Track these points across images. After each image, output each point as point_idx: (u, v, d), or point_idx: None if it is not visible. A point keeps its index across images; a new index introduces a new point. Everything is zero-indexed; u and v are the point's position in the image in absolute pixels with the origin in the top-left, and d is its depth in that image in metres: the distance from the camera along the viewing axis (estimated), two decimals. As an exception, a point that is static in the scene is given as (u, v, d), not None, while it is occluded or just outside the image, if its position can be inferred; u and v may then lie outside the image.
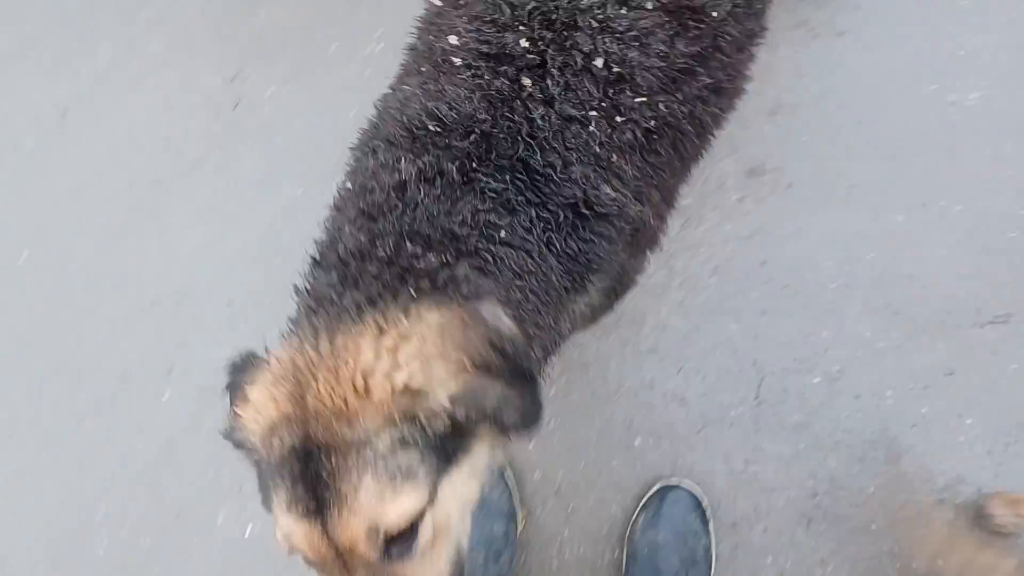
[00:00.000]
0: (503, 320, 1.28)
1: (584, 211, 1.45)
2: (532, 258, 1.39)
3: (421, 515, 1.19)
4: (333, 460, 1.14)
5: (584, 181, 1.43)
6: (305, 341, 1.23)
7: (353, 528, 1.13)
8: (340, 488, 1.13)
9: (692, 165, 1.73)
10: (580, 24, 1.43)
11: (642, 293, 2.19)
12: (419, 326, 1.20)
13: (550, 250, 1.42)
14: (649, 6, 1.46)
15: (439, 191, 1.36)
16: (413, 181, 1.37)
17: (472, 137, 1.39)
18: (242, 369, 1.28)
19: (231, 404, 1.27)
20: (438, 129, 1.41)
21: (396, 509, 1.15)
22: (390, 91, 1.57)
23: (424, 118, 1.42)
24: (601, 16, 1.43)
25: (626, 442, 2.21)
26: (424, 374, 1.17)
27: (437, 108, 1.42)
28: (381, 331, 1.20)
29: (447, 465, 1.22)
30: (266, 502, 1.22)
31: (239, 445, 1.25)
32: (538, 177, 1.40)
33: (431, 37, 1.52)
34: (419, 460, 1.17)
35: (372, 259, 1.32)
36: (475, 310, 1.25)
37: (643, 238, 1.63)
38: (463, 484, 1.26)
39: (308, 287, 1.39)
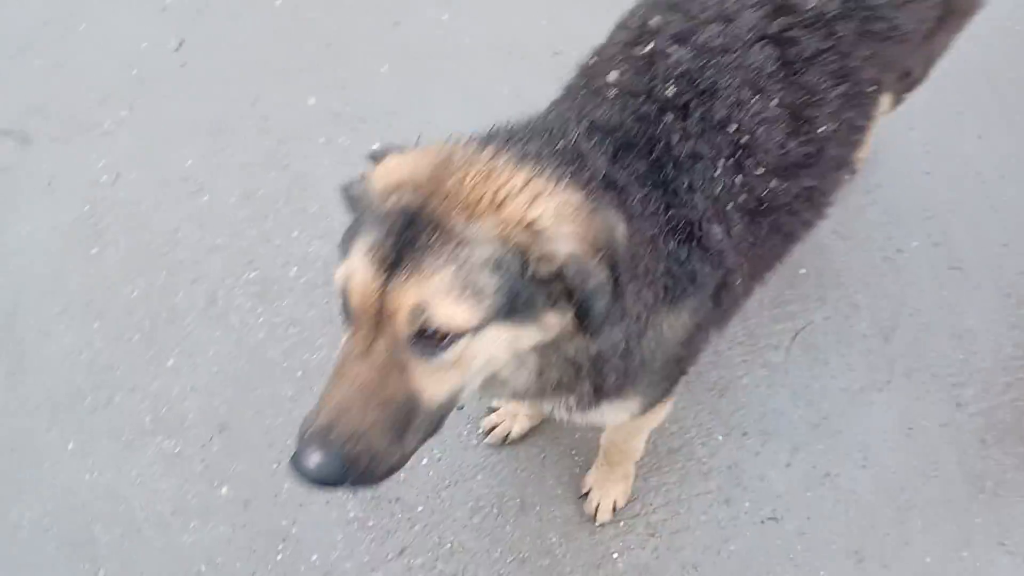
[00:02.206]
0: (621, 227, 1.41)
1: (696, 232, 1.62)
2: (651, 234, 1.55)
3: (460, 335, 1.29)
4: (433, 237, 1.27)
5: (701, 210, 1.62)
6: (471, 146, 1.41)
7: (407, 297, 1.26)
8: (422, 260, 1.26)
9: (774, 259, 1.95)
10: (719, 94, 1.68)
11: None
12: (565, 194, 1.36)
13: (663, 242, 1.57)
14: (775, 102, 1.72)
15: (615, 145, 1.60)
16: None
17: (616, 136, 1.62)
18: (385, 152, 1.47)
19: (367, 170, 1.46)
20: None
21: (448, 311, 1.26)
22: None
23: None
24: (736, 97, 1.68)
25: None
26: (554, 224, 1.31)
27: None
28: (537, 176, 1.37)
29: (506, 318, 1.32)
30: (343, 245, 1.37)
31: (350, 198, 1.46)
32: (665, 185, 1.60)
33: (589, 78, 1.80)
34: (493, 290, 1.28)
35: (553, 140, 1.53)
36: (604, 208, 1.41)
37: (725, 297, 1.77)
38: (503, 341, 1.35)
39: (495, 130, 1.59)
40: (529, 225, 1.30)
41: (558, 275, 1.32)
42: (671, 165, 1.62)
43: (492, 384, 1.54)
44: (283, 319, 2.69)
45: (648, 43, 1.76)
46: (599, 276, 1.34)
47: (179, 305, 2.73)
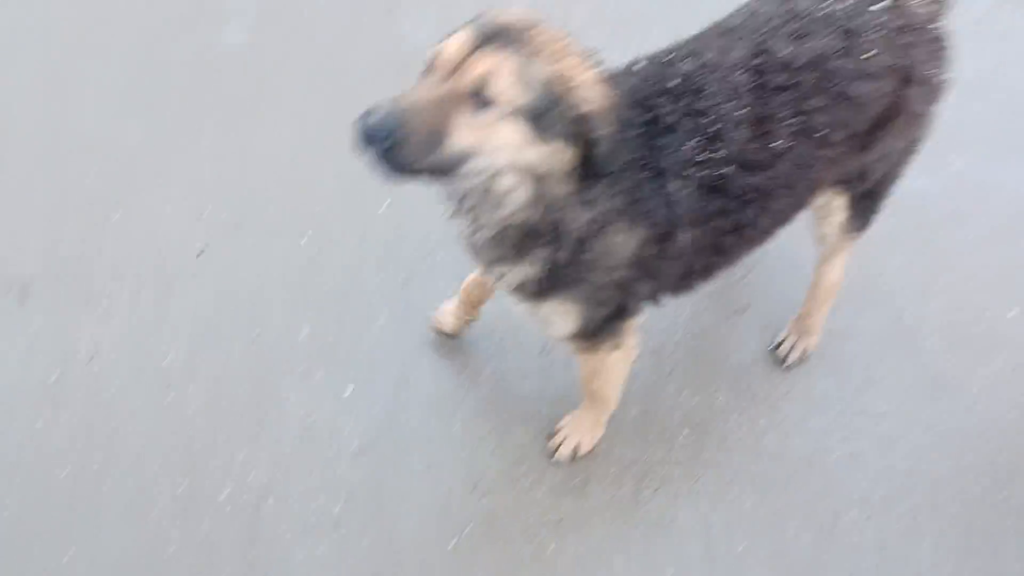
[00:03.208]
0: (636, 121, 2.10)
1: (659, 179, 2.19)
2: (633, 158, 2.14)
3: (498, 106, 1.86)
4: (514, 42, 1.88)
5: (667, 165, 2.20)
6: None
7: (484, 63, 1.86)
8: (504, 49, 1.86)
9: (722, 250, 2.47)
10: (704, 94, 2.27)
11: None
12: (602, 85, 1.98)
13: (639, 169, 2.17)
14: (743, 112, 2.27)
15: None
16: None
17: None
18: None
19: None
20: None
21: (503, 85, 1.85)
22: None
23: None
24: (716, 100, 2.26)
25: None
26: (585, 88, 1.93)
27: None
28: (586, 62, 1.97)
29: (531, 122, 1.90)
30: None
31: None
32: (649, 136, 2.19)
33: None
34: (532, 96, 1.87)
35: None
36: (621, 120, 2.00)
37: (669, 249, 2.31)
38: (519, 138, 1.92)
39: None
40: (571, 81, 1.91)
41: (577, 119, 1.92)
42: (655, 126, 2.20)
43: (488, 197, 2.07)
44: (197, 541, 2.63)
45: (671, 54, 2.36)
46: (607, 129, 1.94)
47: (102, 498, 2.68)
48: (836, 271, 3.15)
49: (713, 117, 2.26)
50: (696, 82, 2.28)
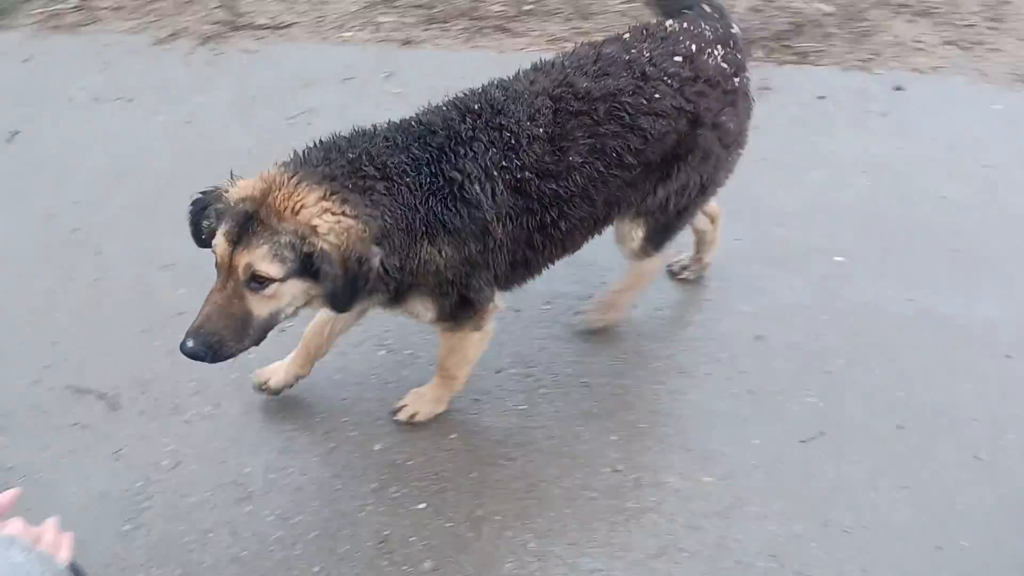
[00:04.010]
0: (375, 262, 2.42)
1: (455, 190, 2.58)
2: (413, 201, 2.54)
3: (272, 280, 2.37)
4: (259, 229, 2.33)
5: (469, 171, 2.58)
6: (286, 174, 2.44)
7: (244, 258, 2.34)
8: (252, 240, 2.33)
9: (534, 244, 2.84)
10: (505, 113, 2.70)
11: None
12: (345, 217, 2.38)
13: (424, 203, 2.55)
14: (541, 129, 2.71)
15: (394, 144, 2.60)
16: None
17: (422, 127, 2.70)
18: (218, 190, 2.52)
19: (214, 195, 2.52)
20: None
21: (264, 266, 2.34)
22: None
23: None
24: (517, 118, 2.70)
25: None
26: (326, 231, 2.35)
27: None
28: (325, 197, 2.40)
29: (300, 276, 2.39)
30: (207, 237, 2.49)
31: (212, 201, 2.50)
32: (443, 155, 2.59)
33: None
34: (291, 260, 2.34)
35: (345, 156, 2.53)
36: (371, 245, 2.42)
37: (489, 241, 2.68)
38: (300, 288, 2.44)
39: (301, 154, 2.60)
40: (313, 227, 2.35)
41: (321, 260, 2.34)
42: (454, 142, 2.60)
43: (317, 306, 2.62)
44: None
45: (481, 88, 2.83)
46: (333, 271, 2.35)
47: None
48: (645, 268, 3.51)
49: (513, 132, 2.67)
50: (499, 105, 2.72)
